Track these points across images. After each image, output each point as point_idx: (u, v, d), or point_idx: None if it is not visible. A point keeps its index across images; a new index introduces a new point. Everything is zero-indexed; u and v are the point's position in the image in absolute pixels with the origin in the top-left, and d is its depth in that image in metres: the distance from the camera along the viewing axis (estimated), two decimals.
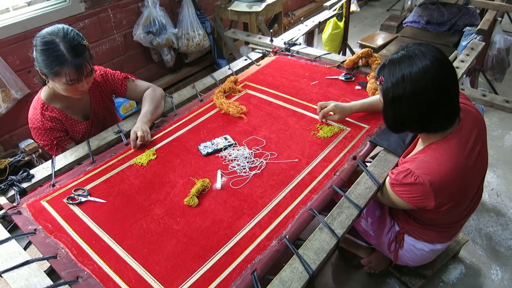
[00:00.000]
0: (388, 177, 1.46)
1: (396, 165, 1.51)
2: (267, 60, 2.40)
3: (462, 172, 1.31)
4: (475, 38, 3.10)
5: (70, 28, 1.54)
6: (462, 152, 1.31)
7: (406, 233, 1.68)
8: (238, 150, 1.66)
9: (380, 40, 4.04)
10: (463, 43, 3.34)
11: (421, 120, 1.31)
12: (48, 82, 1.61)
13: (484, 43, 2.55)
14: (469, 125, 1.35)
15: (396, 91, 1.26)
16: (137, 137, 1.67)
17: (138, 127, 1.71)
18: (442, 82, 1.23)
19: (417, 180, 1.31)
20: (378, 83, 1.34)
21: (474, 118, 1.38)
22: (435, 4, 3.82)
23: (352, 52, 3.99)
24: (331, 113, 1.75)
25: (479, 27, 2.98)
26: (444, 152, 1.31)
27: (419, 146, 1.46)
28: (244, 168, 1.56)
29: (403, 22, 4.26)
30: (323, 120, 1.79)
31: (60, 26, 1.53)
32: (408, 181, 1.33)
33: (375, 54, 2.15)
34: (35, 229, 1.33)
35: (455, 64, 2.19)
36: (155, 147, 1.70)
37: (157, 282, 1.16)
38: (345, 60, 2.18)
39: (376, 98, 1.77)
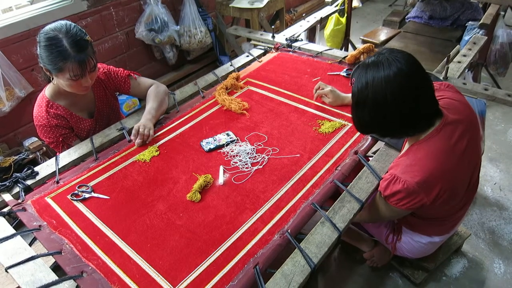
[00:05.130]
0: (378, 194, 1.46)
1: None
2: (269, 56, 2.41)
3: (446, 167, 1.30)
4: (478, 33, 3.09)
5: (73, 24, 1.55)
6: (444, 148, 1.30)
7: (404, 225, 1.69)
8: (240, 146, 1.67)
9: (382, 35, 4.03)
10: (466, 37, 3.33)
11: (382, 128, 1.32)
12: (52, 78, 1.62)
13: (486, 37, 2.54)
14: (452, 121, 1.33)
15: (360, 96, 1.28)
16: (136, 134, 1.69)
17: (141, 123, 1.73)
18: (403, 95, 1.21)
19: (405, 185, 1.30)
20: (350, 83, 1.35)
21: (459, 113, 1.36)
22: None
23: (354, 48, 3.98)
24: (326, 95, 1.87)
25: (481, 21, 2.96)
26: (425, 152, 1.31)
27: (406, 145, 1.45)
28: (246, 164, 1.57)
29: (406, 17, 4.24)
30: (317, 98, 1.92)
31: (63, 22, 1.54)
32: (398, 187, 1.32)
33: (377, 49, 2.15)
34: (40, 225, 1.34)
35: (457, 58, 2.19)
36: (157, 144, 1.71)
37: (161, 277, 1.17)
38: (347, 56, 2.18)
39: None
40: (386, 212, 1.49)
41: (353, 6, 3.83)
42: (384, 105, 1.24)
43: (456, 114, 1.35)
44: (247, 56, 2.42)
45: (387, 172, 1.45)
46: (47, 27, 1.52)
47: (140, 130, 1.69)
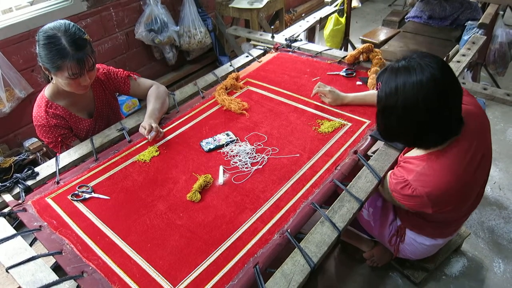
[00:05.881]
0: (388, 177, 1.45)
1: (396, 161, 1.51)
2: (268, 56, 2.41)
3: (461, 183, 1.29)
4: (477, 32, 3.10)
5: (72, 23, 1.55)
6: (461, 163, 1.28)
7: (408, 227, 1.69)
8: (239, 146, 1.67)
9: (382, 35, 4.04)
10: (465, 37, 3.34)
11: (410, 136, 1.29)
12: (51, 78, 1.63)
13: (485, 37, 2.55)
14: (470, 131, 1.31)
15: (388, 102, 1.24)
16: (151, 129, 1.68)
17: (151, 122, 1.72)
18: (435, 102, 1.18)
19: (415, 193, 1.31)
20: (376, 88, 1.32)
21: (476, 121, 1.33)
22: None
23: (354, 48, 3.98)
24: (325, 95, 1.86)
25: (480, 21, 2.96)
26: (442, 164, 1.29)
27: (419, 149, 1.42)
28: (246, 164, 1.58)
29: (405, 17, 4.26)
30: (315, 95, 1.92)
31: (62, 21, 1.55)
32: (406, 192, 1.33)
33: (376, 49, 2.15)
34: (40, 226, 1.35)
35: (456, 58, 2.19)
36: (157, 144, 1.71)
37: (161, 276, 1.17)
38: (346, 56, 2.19)
39: (368, 93, 1.82)
40: (387, 195, 1.50)
41: (352, 6, 3.84)
42: (414, 111, 1.20)
43: (473, 122, 1.33)
44: (247, 56, 2.42)
45: (398, 164, 1.46)
46: (46, 26, 1.52)
47: (153, 125, 1.69)
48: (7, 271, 1.20)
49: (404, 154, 1.51)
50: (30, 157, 2.55)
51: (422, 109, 1.19)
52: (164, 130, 1.80)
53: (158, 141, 1.73)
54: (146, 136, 1.69)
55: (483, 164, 1.36)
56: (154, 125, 1.69)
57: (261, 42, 2.61)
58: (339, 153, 1.59)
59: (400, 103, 1.21)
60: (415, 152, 1.44)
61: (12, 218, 1.43)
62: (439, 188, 1.28)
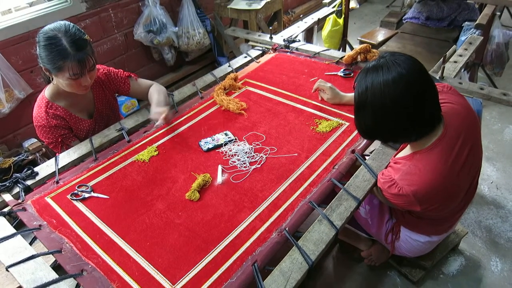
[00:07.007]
0: (378, 177, 1.46)
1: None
2: (266, 57, 2.42)
3: (446, 180, 1.30)
4: (474, 33, 3.11)
5: (72, 24, 1.57)
6: (446, 161, 1.29)
7: (402, 225, 1.71)
8: (238, 145, 1.68)
9: (380, 36, 4.05)
10: (462, 38, 3.35)
11: (383, 133, 1.32)
12: (52, 79, 1.64)
13: (482, 37, 2.56)
14: (455, 129, 1.32)
15: (360, 101, 1.27)
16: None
17: (159, 110, 1.78)
18: (403, 101, 1.19)
19: (401, 192, 1.33)
20: (352, 88, 1.35)
21: (461, 119, 1.34)
22: (435, 0, 3.82)
23: (352, 49, 4.00)
24: (325, 91, 1.88)
25: (477, 21, 2.98)
26: (427, 163, 1.30)
27: (407, 149, 1.44)
28: (244, 163, 1.59)
29: (403, 18, 4.27)
30: (316, 93, 1.95)
31: (61, 22, 1.56)
32: (393, 191, 1.35)
33: (374, 50, 2.16)
34: (40, 225, 1.35)
35: (453, 58, 2.20)
36: (156, 144, 1.72)
37: (160, 274, 1.18)
38: (344, 56, 2.20)
39: None
40: (379, 195, 1.51)
41: (350, 7, 3.85)
42: (383, 110, 1.22)
43: (459, 120, 1.34)
44: (245, 57, 2.43)
45: (388, 164, 1.48)
46: (46, 27, 1.54)
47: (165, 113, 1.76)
48: (7, 270, 1.20)
49: (395, 155, 1.52)
50: (30, 157, 2.56)
51: (390, 108, 1.21)
52: (163, 130, 1.81)
53: (157, 141, 1.74)
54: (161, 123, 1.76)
55: (472, 156, 1.36)
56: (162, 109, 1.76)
57: (260, 43, 2.62)
58: (336, 152, 1.60)
59: (369, 102, 1.24)
60: (403, 153, 1.46)
61: (12, 217, 1.43)
62: (424, 187, 1.30)
